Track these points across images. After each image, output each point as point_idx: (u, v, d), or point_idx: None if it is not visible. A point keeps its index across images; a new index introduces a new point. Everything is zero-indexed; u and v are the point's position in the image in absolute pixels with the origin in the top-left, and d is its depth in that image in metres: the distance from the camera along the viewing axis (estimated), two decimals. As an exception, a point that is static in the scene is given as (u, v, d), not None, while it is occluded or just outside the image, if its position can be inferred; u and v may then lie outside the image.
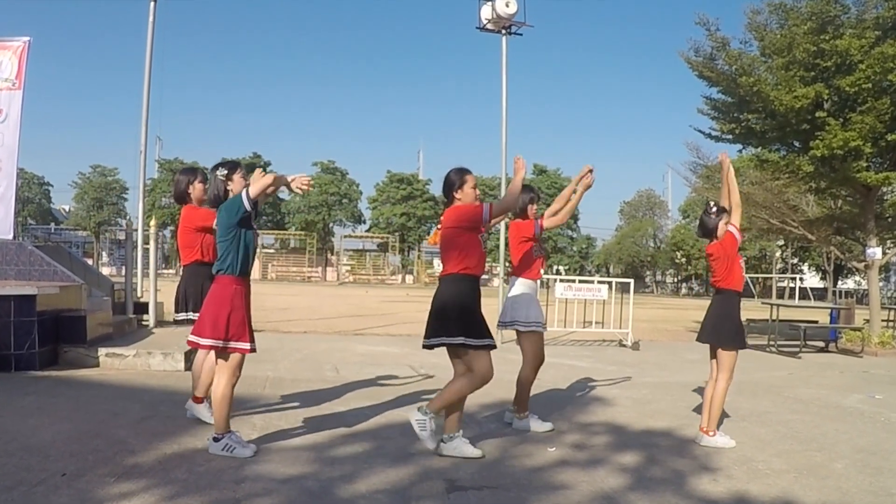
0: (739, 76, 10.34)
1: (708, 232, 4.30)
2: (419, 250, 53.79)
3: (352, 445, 3.88)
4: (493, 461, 3.73)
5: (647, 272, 57.84)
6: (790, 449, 4.27)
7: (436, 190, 55.13)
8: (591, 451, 4.05)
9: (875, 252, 10.91)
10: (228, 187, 3.70)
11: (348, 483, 3.24)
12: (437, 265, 52.00)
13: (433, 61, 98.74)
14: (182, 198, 4.42)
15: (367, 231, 55.13)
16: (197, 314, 3.99)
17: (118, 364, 5.99)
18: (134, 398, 4.79)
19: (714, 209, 4.28)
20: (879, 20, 9.70)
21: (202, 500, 2.93)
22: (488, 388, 4.50)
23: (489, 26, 9.90)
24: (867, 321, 11.17)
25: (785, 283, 43.27)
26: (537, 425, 4.49)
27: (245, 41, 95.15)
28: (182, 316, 4.30)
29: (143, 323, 8.16)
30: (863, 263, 11.59)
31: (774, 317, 10.61)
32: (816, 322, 11.22)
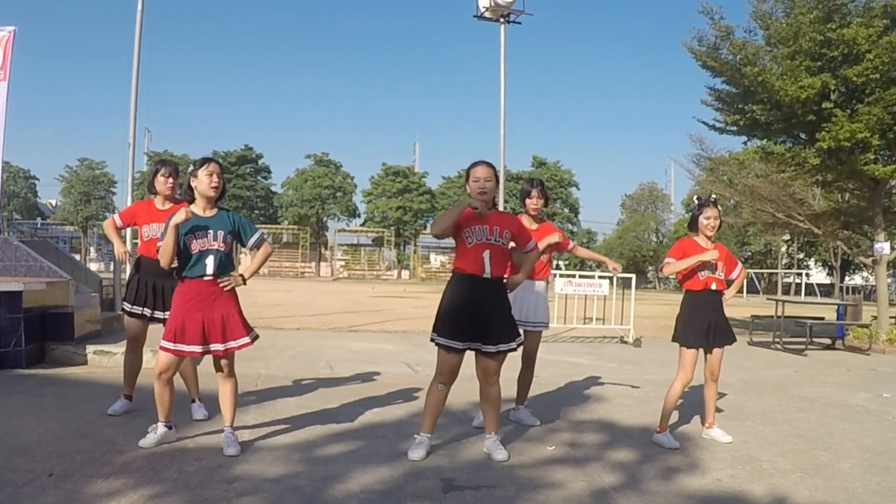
0: (744, 66, 10.18)
1: (690, 225, 4.31)
2: (415, 245, 53.48)
3: (346, 444, 3.82)
4: (491, 460, 3.66)
5: (650, 267, 57.59)
6: (795, 448, 4.20)
7: (432, 183, 55.00)
8: (591, 450, 3.98)
9: (883, 247, 10.77)
10: (193, 184, 3.61)
11: (341, 482, 3.19)
12: (434, 260, 51.97)
13: (429, 50, 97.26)
14: (151, 189, 4.37)
15: (362, 225, 54.75)
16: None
17: (106, 362, 5.91)
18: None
19: (696, 202, 4.27)
20: (888, 8, 9.53)
21: (192, 499, 2.88)
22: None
23: (487, 14, 9.80)
24: (875, 318, 11.05)
25: (791, 279, 43.05)
26: (527, 418, 4.58)
27: (236, 31, 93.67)
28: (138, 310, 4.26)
29: None
30: (870, 259, 11.44)
31: (780, 313, 10.48)
32: (823, 319, 11.10)
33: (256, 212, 53.57)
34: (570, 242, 4.76)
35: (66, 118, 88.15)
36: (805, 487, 3.41)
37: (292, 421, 4.28)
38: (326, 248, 53.20)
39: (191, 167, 3.63)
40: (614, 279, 10.59)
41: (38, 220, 60.40)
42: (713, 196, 4.36)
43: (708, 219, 4.14)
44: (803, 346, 9.83)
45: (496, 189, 3.74)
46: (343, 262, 50.27)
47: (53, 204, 63.33)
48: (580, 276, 10.66)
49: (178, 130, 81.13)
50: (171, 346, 3.48)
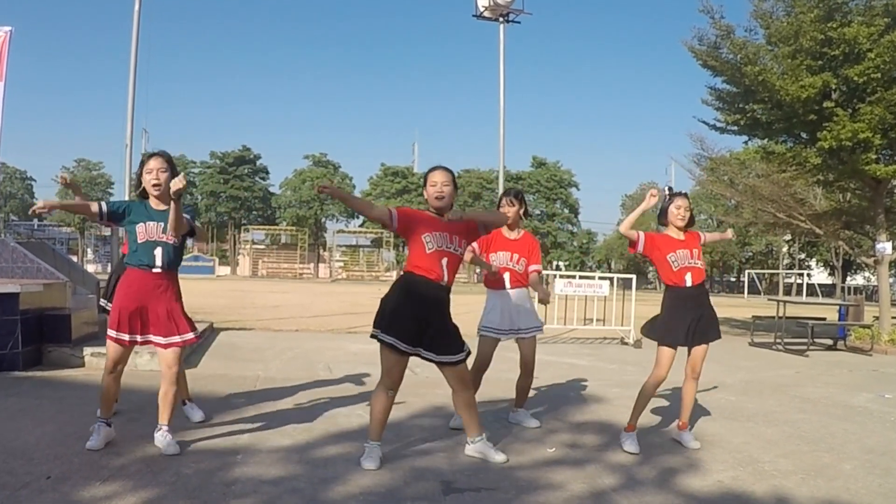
0: (744, 65, 10.15)
1: (660, 216, 4.21)
2: (414, 245, 53.32)
3: (344, 446, 3.80)
4: (490, 462, 3.63)
5: (650, 268, 57.53)
6: (797, 449, 4.17)
7: (431, 183, 54.85)
8: (590, 451, 3.96)
9: (885, 247, 10.73)
10: (142, 179, 3.62)
11: (340, 484, 3.17)
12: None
13: (428, 50, 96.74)
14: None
15: (361, 226, 54.67)
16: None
17: (104, 364, 5.85)
18: (120, 399, 4.65)
19: (667, 193, 4.20)
20: (889, 7, 9.49)
21: (191, 502, 2.87)
22: (483, 389, 4.40)
23: (487, 14, 9.80)
24: (877, 318, 11.00)
25: (792, 280, 43.01)
26: (526, 419, 4.53)
27: (234, 31, 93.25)
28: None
29: None
30: (872, 259, 11.40)
31: (781, 314, 10.43)
32: (824, 319, 11.03)
33: (254, 213, 53.35)
34: (536, 269, 4.52)
35: (64, 119, 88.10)
36: (807, 489, 3.39)
37: (291, 423, 4.26)
38: (325, 250, 53.10)
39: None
40: (615, 280, 10.56)
41: (35, 221, 60.29)
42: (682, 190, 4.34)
43: (678, 208, 4.07)
44: (805, 347, 9.79)
45: (455, 194, 3.61)
46: (342, 264, 50.18)
47: (51, 205, 63.09)
48: (580, 277, 10.63)
49: (175, 131, 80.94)
50: (113, 334, 3.52)
